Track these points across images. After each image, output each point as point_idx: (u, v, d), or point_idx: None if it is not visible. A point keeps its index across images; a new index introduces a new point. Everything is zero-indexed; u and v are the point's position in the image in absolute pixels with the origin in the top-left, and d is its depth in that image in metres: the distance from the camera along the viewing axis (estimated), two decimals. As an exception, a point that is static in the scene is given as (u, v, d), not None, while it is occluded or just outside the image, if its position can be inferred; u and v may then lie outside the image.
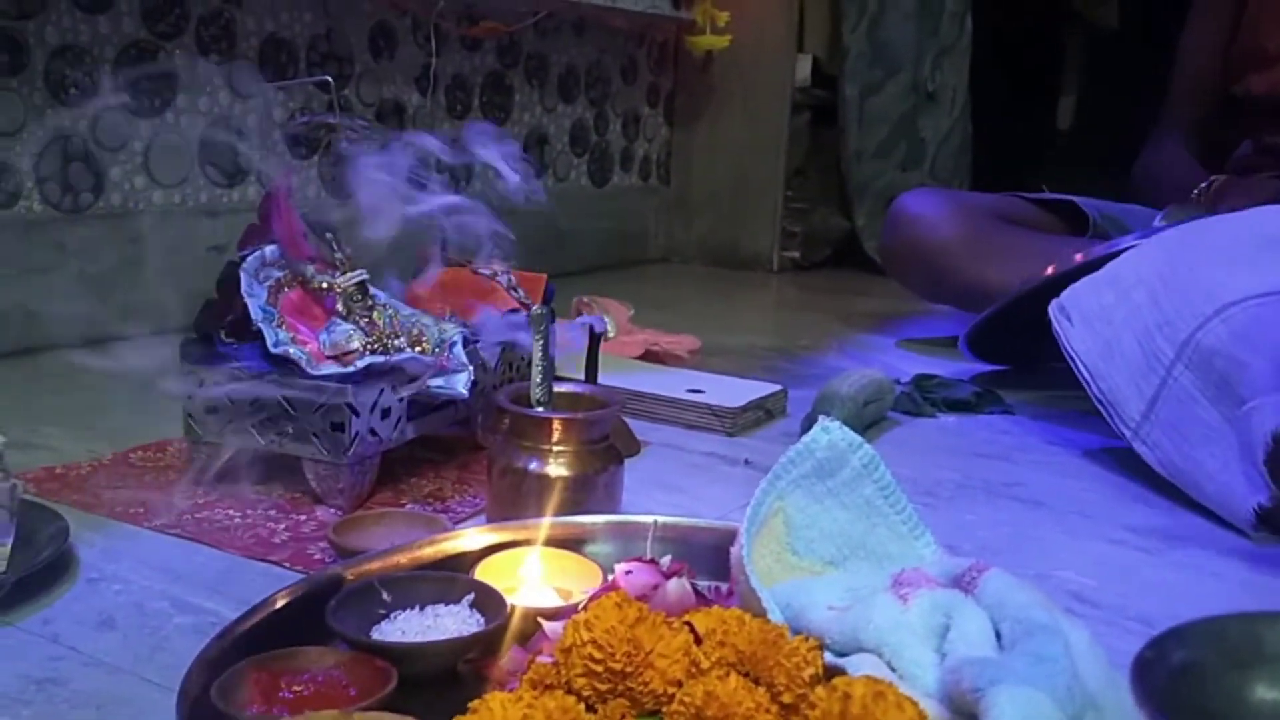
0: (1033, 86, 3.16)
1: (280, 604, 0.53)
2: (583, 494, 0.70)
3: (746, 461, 0.94)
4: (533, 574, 0.59)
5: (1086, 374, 0.95)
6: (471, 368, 0.83)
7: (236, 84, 1.39)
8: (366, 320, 0.81)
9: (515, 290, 1.02)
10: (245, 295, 0.76)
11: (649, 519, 0.64)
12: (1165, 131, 1.55)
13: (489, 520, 0.73)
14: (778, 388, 1.11)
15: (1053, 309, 1.01)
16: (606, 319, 1.33)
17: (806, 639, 0.44)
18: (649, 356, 1.27)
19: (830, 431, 0.53)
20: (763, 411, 1.07)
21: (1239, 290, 0.86)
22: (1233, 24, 1.46)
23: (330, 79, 1.03)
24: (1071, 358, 0.97)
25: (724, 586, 0.55)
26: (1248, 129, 1.44)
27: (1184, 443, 0.84)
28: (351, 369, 0.75)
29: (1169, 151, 1.52)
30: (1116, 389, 0.92)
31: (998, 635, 0.43)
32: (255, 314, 0.76)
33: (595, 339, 0.87)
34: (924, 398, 1.15)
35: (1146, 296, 0.92)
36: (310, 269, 0.81)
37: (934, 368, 1.28)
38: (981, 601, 0.44)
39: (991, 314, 1.24)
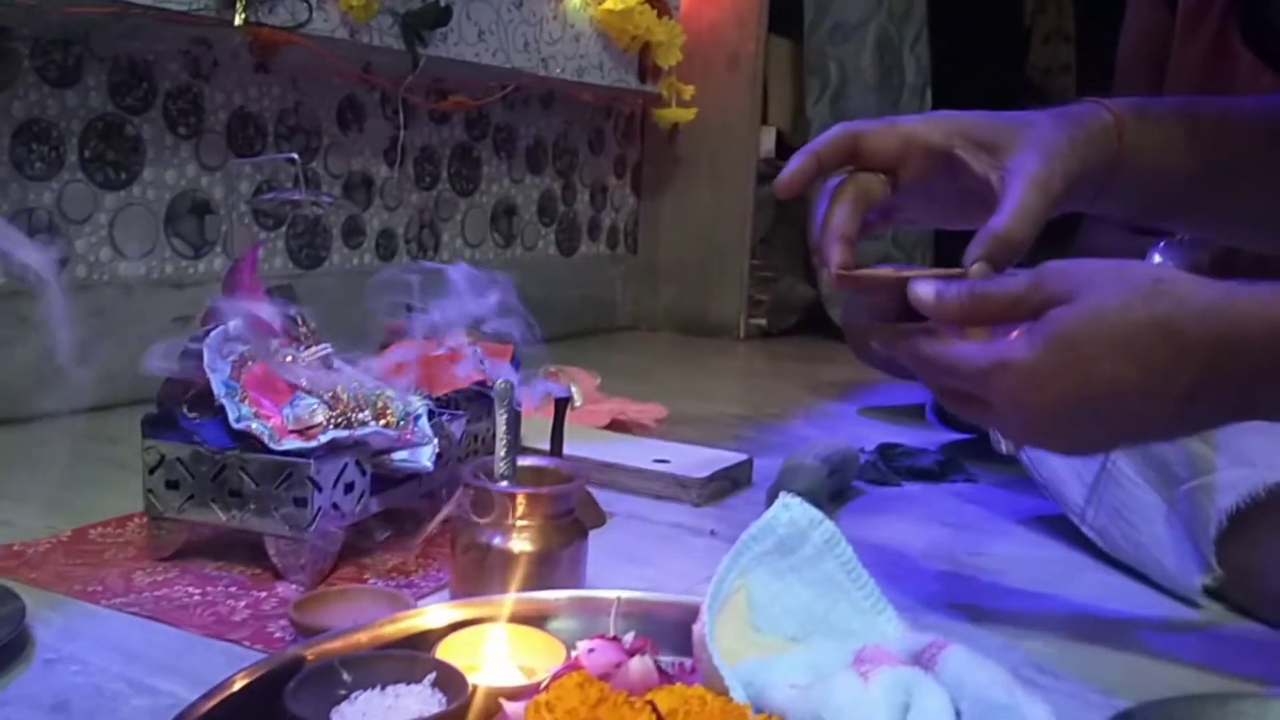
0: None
1: (239, 685, 0.52)
2: (547, 569, 0.70)
3: (712, 532, 0.94)
4: (496, 651, 0.59)
5: (1026, 461, 0.96)
6: (436, 440, 0.83)
7: (203, 157, 1.40)
8: (330, 394, 0.81)
9: (481, 362, 1.02)
10: (208, 370, 0.76)
11: (613, 594, 0.64)
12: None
13: (453, 596, 0.72)
14: (743, 457, 1.11)
15: None
16: (573, 388, 1.33)
17: (769, 718, 0.44)
18: (615, 426, 1.28)
19: (791, 508, 0.53)
20: (729, 481, 1.07)
21: None
22: None
23: (296, 156, 1.03)
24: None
25: (687, 663, 0.55)
26: None
27: (1127, 527, 0.85)
28: (314, 443, 0.75)
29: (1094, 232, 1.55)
30: (1057, 476, 0.92)
31: (958, 714, 0.43)
32: (218, 389, 0.75)
33: (561, 409, 0.88)
34: (888, 467, 1.16)
35: None
36: (274, 343, 0.81)
37: (898, 436, 1.29)
38: (941, 680, 0.44)
39: None
